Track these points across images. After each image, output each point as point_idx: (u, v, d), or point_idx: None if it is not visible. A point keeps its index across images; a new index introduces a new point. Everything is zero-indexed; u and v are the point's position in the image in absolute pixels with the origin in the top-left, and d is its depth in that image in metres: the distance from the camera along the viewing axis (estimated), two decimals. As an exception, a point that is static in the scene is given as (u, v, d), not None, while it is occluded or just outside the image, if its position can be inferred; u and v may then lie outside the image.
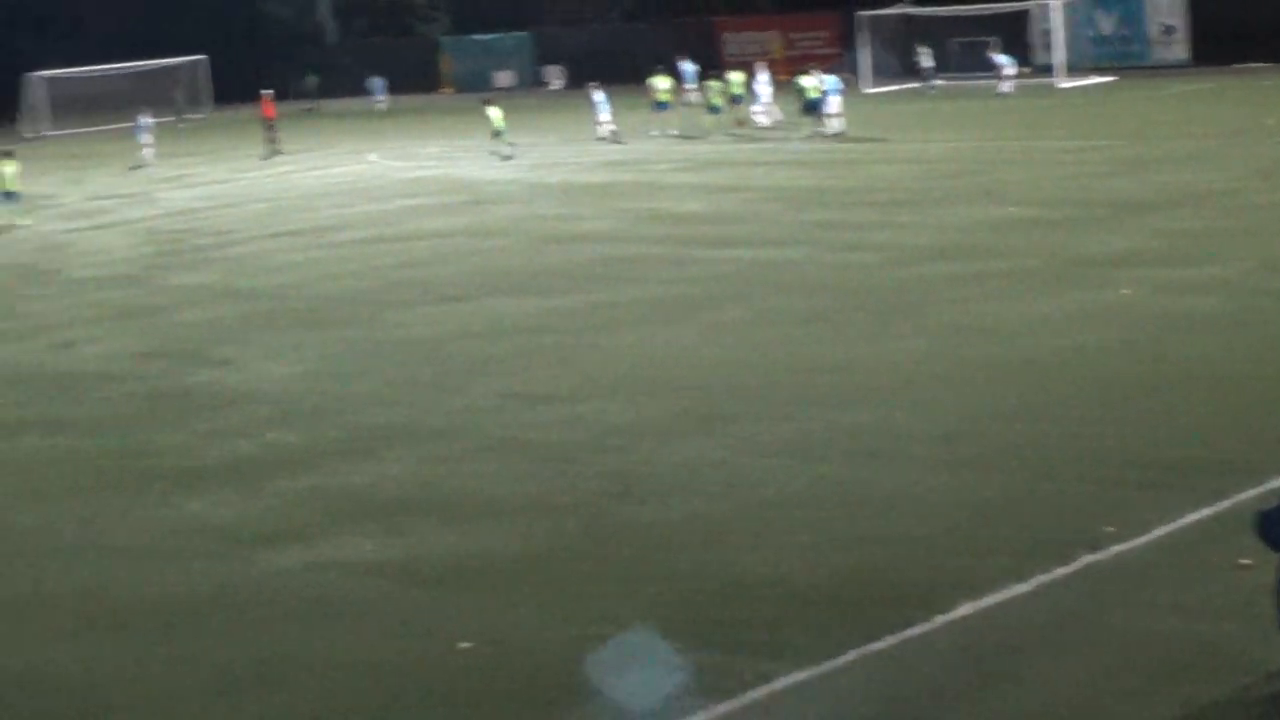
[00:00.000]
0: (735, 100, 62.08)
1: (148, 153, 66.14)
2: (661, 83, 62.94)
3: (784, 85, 64.48)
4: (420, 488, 18.75)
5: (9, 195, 49.23)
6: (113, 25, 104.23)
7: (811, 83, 57.98)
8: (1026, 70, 75.74)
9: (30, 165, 52.85)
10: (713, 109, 61.96)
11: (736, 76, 63.33)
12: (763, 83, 63.31)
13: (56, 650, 14.79)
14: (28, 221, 48.91)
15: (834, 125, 56.12)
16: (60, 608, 15.91)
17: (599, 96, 61.77)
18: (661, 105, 62.55)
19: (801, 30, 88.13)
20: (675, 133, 61.03)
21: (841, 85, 57.85)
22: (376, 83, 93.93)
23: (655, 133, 61.07)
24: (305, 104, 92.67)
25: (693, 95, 67.16)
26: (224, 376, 25.55)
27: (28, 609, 16.02)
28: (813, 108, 57.54)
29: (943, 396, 20.80)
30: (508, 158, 56.89)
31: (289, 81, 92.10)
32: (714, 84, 63.13)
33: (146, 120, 67.18)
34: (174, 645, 14.65)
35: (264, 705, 13.25)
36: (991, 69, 72.32)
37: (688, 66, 71.72)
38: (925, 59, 76.23)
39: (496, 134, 58.12)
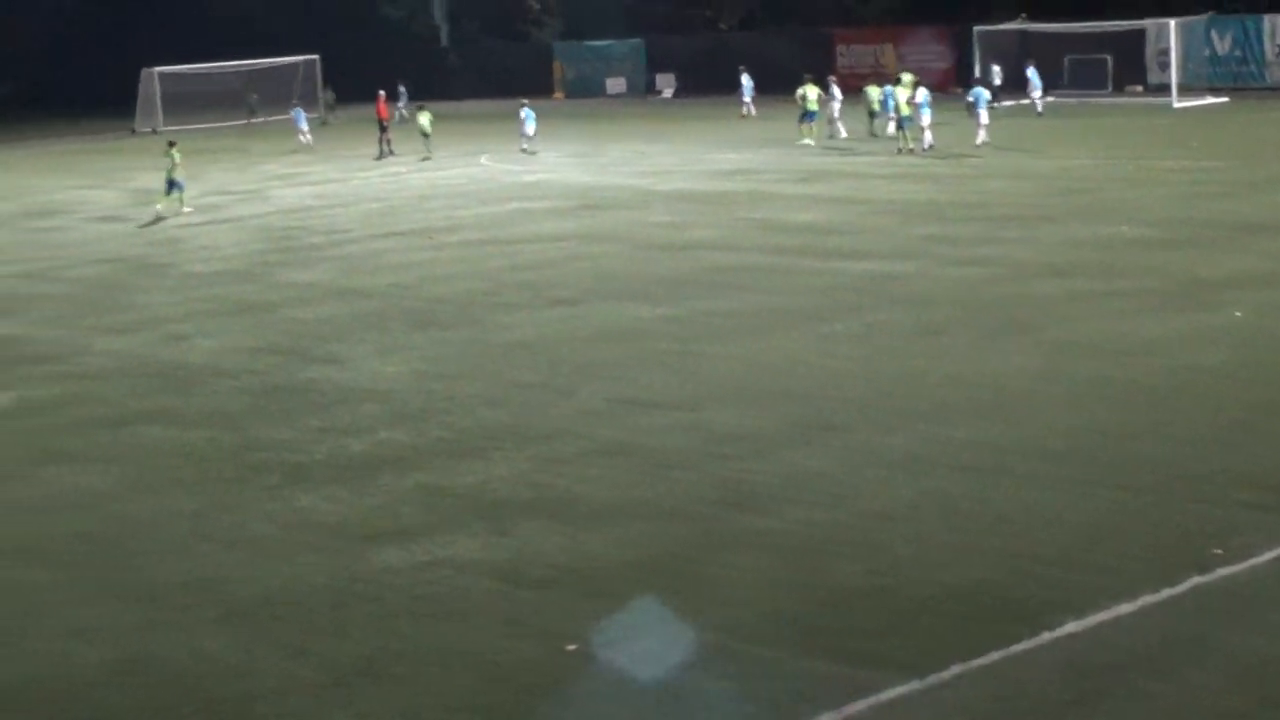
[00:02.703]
0: (808, 116, 62.51)
1: (303, 139, 73.85)
2: (810, 91, 62.97)
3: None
4: (528, 489, 18.86)
5: (173, 183, 49.97)
6: (231, 24, 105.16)
7: (876, 94, 58.11)
8: (1137, 89, 75.44)
9: (144, 160, 53.15)
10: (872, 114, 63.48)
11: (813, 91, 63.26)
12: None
13: (161, 640, 14.98)
14: (161, 207, 49.79)
15: (926, 139, 56.15)
16: (170, 599, 16.10)
17: (525, 113, 65.26)
18: (810, 115, 62.63)
19: (916, 43, 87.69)
20: (809, 143, 60.94)
21: (929, 99, 57.28)
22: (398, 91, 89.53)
23: (807, 142, 61.04)
24: (252, 119, 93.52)
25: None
26: (334, 374, 25.78)
27: (138, 599, 16.21)
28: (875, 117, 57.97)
29: (1052, 414, 20.72)
30: (425, 159, 63.93)
31: (400, 83, 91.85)
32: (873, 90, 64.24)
33: (302, 112, 76.76)
34: (282, 638, 14.82)
35: (369, 699, 13.36)
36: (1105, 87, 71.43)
37: (746, 80, 77.23)
38: (996, 77, 74.74)
39: (424, 135, 65.70)
